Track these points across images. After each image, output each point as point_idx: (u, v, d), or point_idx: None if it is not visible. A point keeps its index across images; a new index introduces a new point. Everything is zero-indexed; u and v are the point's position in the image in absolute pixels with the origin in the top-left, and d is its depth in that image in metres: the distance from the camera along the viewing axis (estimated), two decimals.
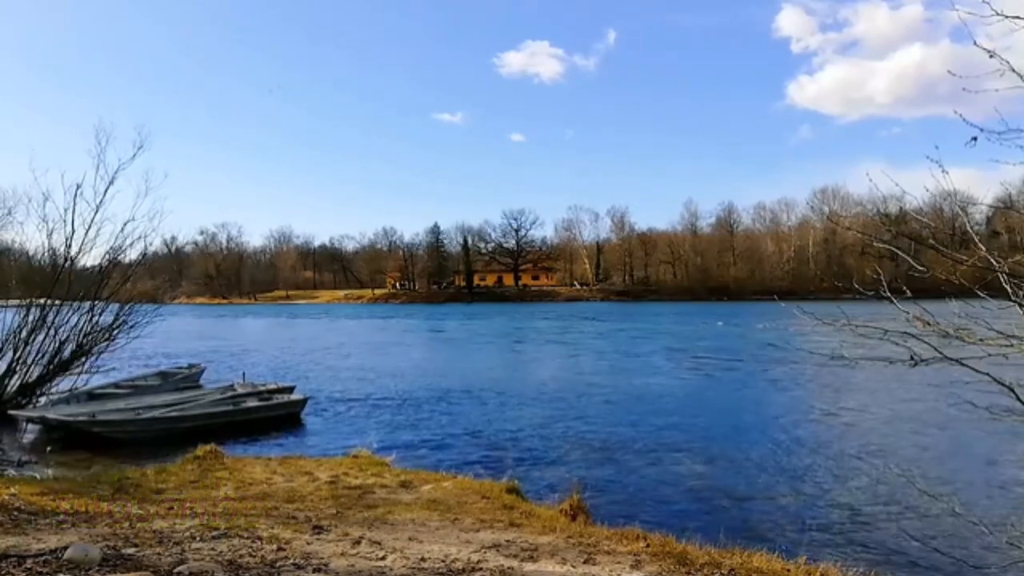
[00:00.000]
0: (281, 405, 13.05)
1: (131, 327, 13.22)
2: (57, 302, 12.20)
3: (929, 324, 3.39)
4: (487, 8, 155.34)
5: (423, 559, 4.32)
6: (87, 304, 12.62)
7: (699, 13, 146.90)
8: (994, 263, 3.27)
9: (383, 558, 4.33)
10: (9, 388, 11.62)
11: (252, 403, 12.75)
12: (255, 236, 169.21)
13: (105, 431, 10.38)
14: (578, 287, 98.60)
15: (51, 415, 10.71)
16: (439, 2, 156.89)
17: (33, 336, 11.80)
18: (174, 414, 11.42)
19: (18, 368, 11.70)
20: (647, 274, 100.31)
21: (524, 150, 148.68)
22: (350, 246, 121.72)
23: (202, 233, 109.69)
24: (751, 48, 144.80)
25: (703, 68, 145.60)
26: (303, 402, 13.37)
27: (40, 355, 11.93)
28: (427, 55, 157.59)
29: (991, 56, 3.04)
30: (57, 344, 12.11)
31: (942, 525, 6.67)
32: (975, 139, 3.09)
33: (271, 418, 12.43)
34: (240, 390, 13.70)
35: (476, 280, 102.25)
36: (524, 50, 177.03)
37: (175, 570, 3.78)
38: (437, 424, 12.38)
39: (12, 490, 5.84)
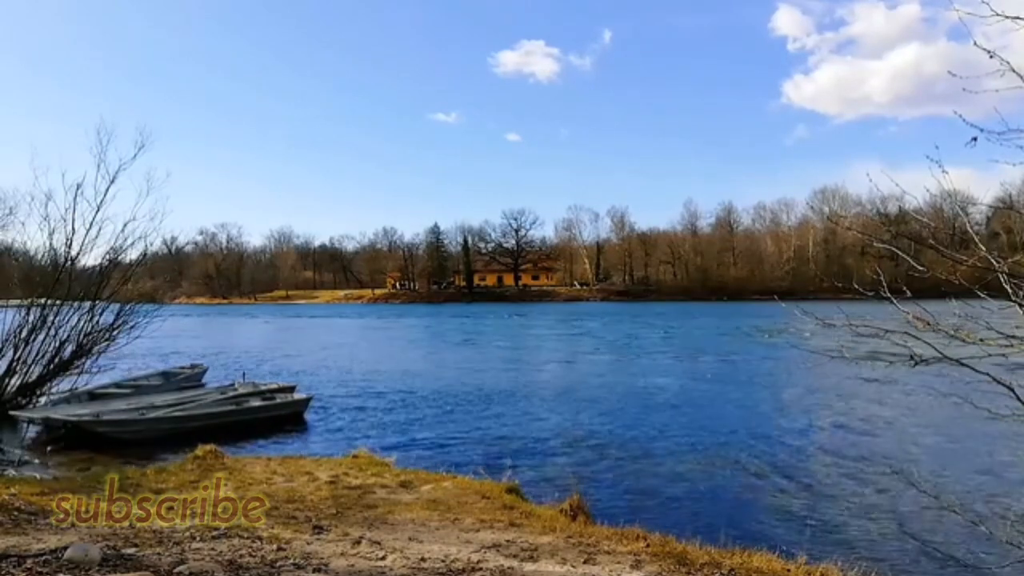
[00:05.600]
0: (285, 404, 13.04)
1: (131, 327, 13.22)
2: (57, 302, 12.19)
3: (929, 324, 3.39)
4: (482, 7, 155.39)
5: (423, 559, 4.32)
6: (87, 304, 12.61)
7: (694, 13, 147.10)
8: (994, 263, 3.27)
9: (383, 558, 4.33)
10: (9, 388, 11.61)
11: (256, 403, 12.74)
12: (255, 236, 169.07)
13: (109, 431, 10.37)
14: (578, 287, 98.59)
15: (55, 415, 10.69)
16: (435, 1, 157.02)
17: (33, 336, 11.79)
18: (177, 414, 11.40)
19: (18, 368, 11.69)
20: (647, 274, 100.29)
21: (521, 150, 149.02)
22: (350, 246, 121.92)
23: (202, 233, 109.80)
24: (747, 48, 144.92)
25: (699, 68, 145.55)
26: (306, 401, 13.36)
27: (40, 355, 11.92)
28: (423, 54, 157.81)
29: (991, 56, 3.04)
30: (57, 344, 12.10)
31: (942, 525, 6.67)
32: (975, 139, 3.09)
33: (275, 417, 12.42)
34: (241, 390, 13.68)
35: (476, 280, 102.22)
36: (519, 49, 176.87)
37: (175, 570, 3.78)
38: (437, 424, 12.38)
39: (12, 490, 5.84)
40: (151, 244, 14.19)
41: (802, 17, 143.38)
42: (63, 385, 12.55)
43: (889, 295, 3.66)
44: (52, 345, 12.04)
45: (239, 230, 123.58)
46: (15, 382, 11.70)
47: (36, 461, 9.20)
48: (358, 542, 4.70)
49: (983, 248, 3.34)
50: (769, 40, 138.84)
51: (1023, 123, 3.09)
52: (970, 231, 3.74)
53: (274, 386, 14.34)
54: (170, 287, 50.58)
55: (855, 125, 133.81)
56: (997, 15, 2.99)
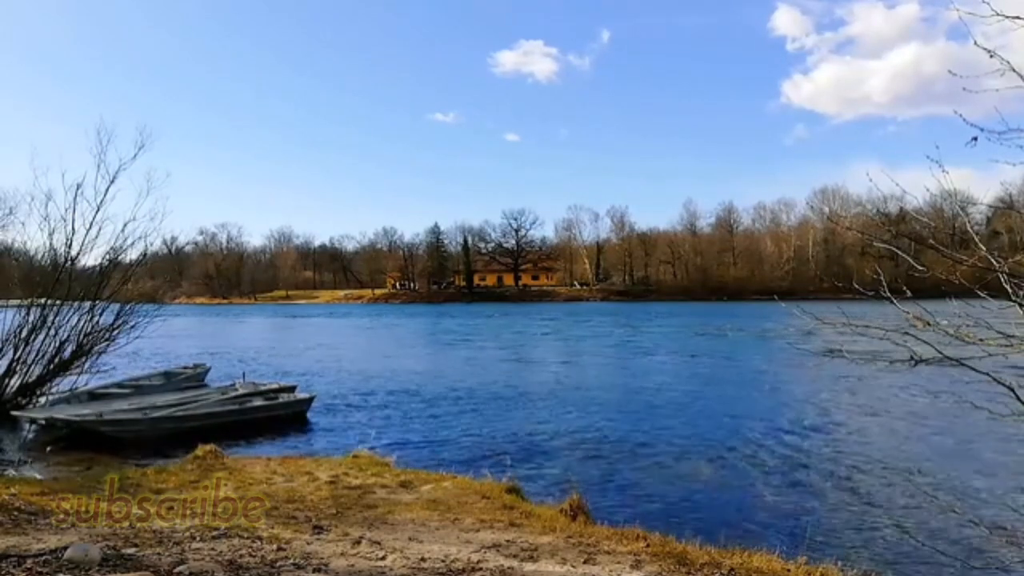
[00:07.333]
0: (287, 404, 13.03)
1: (131, 327, 13.21)
2: (57, 302, 12.19)
3: (929, 324, 3.39)
4: (481, 7, 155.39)
5: (423, 559, 4.32)
6: (87, 304, 12.60)
7: (693, 13, 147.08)
8: (994, 263, 3.27)
9: (383, 558, 4.33)
10: (9, 388, 11.61)
11: (258, 402, 12.72)
12: (255, 236, 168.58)
13: (112, 431, 10.35)
14: (578, 287, 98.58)
15: (57, 415, 10.68)
16: (434, 1, 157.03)
17: (33, 336, 11.78)
18: (180, 414, 11.38)
19: (18, 368, 11.68)
20: (647, 274, 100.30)
21: (520, 150, 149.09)
22: (350, 246, 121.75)
23: (202, 233, 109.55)
24: (746, 48, 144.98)
25: (699, 68, 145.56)
26: (309, 401, 13.34)
27: (40, 355, 11.91)
28: (423, 54, 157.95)
29: (991, 56, 3.04)
30: (57, 344, 12.09)
31: (942, 525, 6.67)
32: (975, 139, 3.09)
33: (277, 417, 12.40)
34: (241, 390, 13.65)
35: (476, 280, 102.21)
36: (518, 49, 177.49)
37: (175, 570, 3.78)
38: (438, 424, 12.37)
39: (12, 490, 5.84)
40: (151, 244, 14.18)
41: (801, 17, 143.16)
42: (63, 385, 12.54)
43: (889, 295, 3.66)
44: (52, 345, 12.03)
45: (239, 230, 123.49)
46: (15, 382, 11.69)
47: (36, 461, 9.20)
48: (358, 542, 4.70)
49: (983, 248, 3.34)
50: (768, 40, 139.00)
51: (1023, 123, 3.09)
52: (970, 231, 3.73)
53: (275, 386, 14.31)
54: (170, 287, 50.48)
55: (854, 125, 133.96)
56: (997, 15, 2.99)
